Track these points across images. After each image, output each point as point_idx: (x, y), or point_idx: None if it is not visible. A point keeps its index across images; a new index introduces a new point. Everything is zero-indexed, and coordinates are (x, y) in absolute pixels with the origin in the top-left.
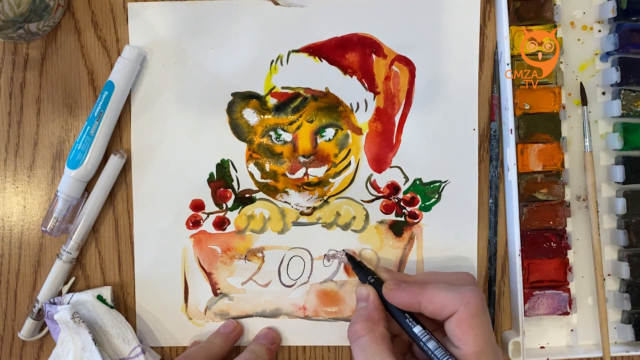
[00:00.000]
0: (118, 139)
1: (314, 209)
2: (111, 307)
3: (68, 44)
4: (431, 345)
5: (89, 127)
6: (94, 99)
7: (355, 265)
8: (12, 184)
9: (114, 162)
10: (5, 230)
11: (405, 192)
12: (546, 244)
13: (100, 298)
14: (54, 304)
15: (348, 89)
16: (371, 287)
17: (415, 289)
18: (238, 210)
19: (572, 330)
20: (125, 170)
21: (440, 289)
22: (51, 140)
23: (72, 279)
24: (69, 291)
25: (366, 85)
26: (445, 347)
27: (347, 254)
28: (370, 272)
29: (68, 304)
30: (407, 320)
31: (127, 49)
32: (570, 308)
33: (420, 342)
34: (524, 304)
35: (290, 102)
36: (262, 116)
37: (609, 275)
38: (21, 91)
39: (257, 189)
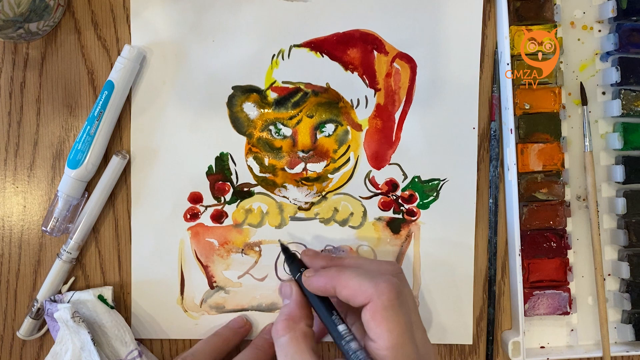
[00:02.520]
0: (118, 139)
1: (312, 204)
2: (112, 307)
3: (68, 44)
4: (352, 346)
5: (89, 127)
6: (94, 99)
7: (288, 257)
8: (12, 184)
9: (116, 163)
10: (5, 230)
11: (403, 190)
12: (546, 244)
13: (101, 298)
14: (55, 301)
15: (349, 85)
16: (295, 283)
17: (332, 273)
18: (236, 203)
19: (572, 330)
20: (125, 171)
21: (355, 275)
22: (51, 140)
23: (72, 279)
24: (69, 290)
25: (367, 81)
26: (365, 345)
27: (281, 245)
28: (301, 265)
29: (69, 302)
30: (333, 318)
31: (126, 48)
32: (570, 308)
33: (342, 342)
34: (524, 304)
35: (291, 96)
36: (262, 110)
37: (609, 275)
38: (21, 91)
39: (255, 183)
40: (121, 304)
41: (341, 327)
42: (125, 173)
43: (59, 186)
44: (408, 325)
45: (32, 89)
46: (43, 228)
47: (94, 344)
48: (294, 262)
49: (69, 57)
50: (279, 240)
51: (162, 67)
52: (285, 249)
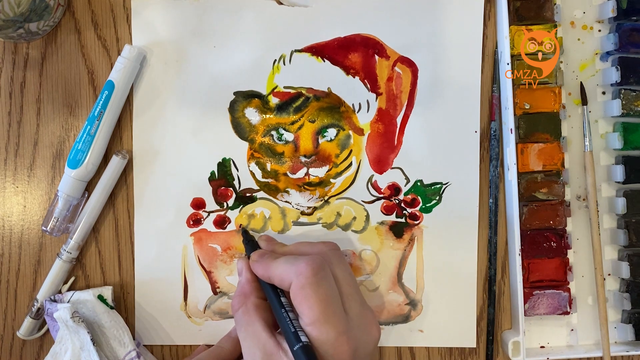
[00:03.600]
0: (118, 139)
1: (315, 209)
2: (111, 307)
3: (68, 44)
4: (290, 315)
5: (89, 127)
6: (94, 99)
7: (245, 239)
8: (12, 184)
9: (116, 163)
10: (5, 230)
11: (406, 194)
12: (546, 244)
13: (101, 298)
14: (55, 301)
15: (350, 89)
16: (245, 260)
17: (267, 262)
18: (239, 209)
19: (572, 330)
20: (125, 170)
21: (282, 262)
22: (51, 139)
23: (72, 279)
24: (69, 290)
25: (368, 86)
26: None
27: (243, 229)
28: (255, 247)
29: (68, 302)
30: (272, 293)
31: (127, 48)
32: (570, 308)
33: (282, 310)
34: (524, 304)
35: (293, 101)
36: (264, 115)
37: (609, 275)
38: (21, 91)
39: (258, 188)
40: (121, 304)
41: (283, 300)
42: (126, 173)
43: (59, 186)
44: (330, 299)
45: (32, 89)
46: (43, 228)
47: (94, 344)
48: (250, 244)
49: (69, 57)
50: (240, 225)
51: (163, 70)
52: (244, 232)
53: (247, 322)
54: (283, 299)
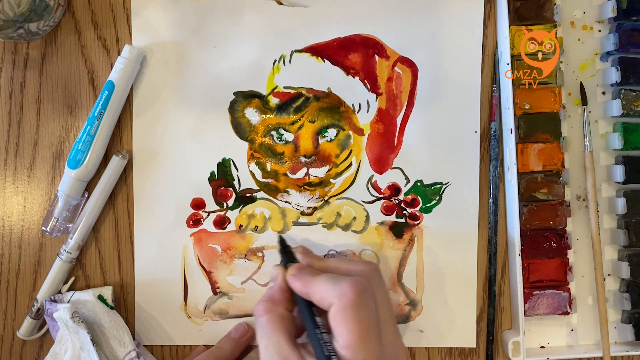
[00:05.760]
0: (118, 139)
1: (315, 209)
2: (111, 307)
3: (68, 44)
4: (324, 337)
5: (89, 127)
6: (94, 99)
7: (282, 248)
8: (12, 184)
9: (116, 163)
10: (5, 230)
11: (406, 194)
12: (546, 244)
13: (100, 298)
14: (55, 301)
15: (350, 89)
16: (281, 269)
17: (307, 278)
18: (239, 209)
19: (572, 330)
20: (125, 170)
21: (324, 280)
22: (51, 140)
23: (72, 279)
24: (69, 290)
25: (368, 86)
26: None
27: (280, 237)
28: (292, 258)
29: (68, 302)
30: (307, 310)
31: (127, 48)
32: (570, 308)
33: (316, 331)
34: (524, 304)
35: (293, 102)
36: (264, 115)
37: (609, 275)
38: (21, 91)
39: (258, 188)
40: (121, 304)
41: (317, 319)
42: (126, 173)
43: (59, 186)
44: (370, 324)
45: (32, 89)
46: (43, 228)
47: (93, 344)
48: (287, 253)
49: (69, 57)
50: (278, 233)
51: (163, 71)
52: (282, 240)
53: (271, 330)
54: (317, 319)
